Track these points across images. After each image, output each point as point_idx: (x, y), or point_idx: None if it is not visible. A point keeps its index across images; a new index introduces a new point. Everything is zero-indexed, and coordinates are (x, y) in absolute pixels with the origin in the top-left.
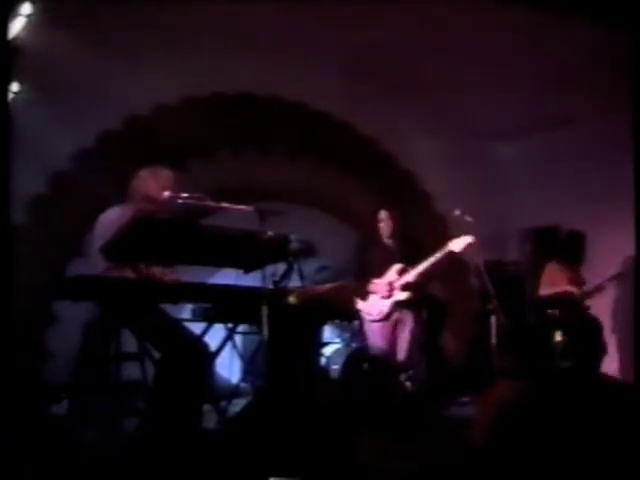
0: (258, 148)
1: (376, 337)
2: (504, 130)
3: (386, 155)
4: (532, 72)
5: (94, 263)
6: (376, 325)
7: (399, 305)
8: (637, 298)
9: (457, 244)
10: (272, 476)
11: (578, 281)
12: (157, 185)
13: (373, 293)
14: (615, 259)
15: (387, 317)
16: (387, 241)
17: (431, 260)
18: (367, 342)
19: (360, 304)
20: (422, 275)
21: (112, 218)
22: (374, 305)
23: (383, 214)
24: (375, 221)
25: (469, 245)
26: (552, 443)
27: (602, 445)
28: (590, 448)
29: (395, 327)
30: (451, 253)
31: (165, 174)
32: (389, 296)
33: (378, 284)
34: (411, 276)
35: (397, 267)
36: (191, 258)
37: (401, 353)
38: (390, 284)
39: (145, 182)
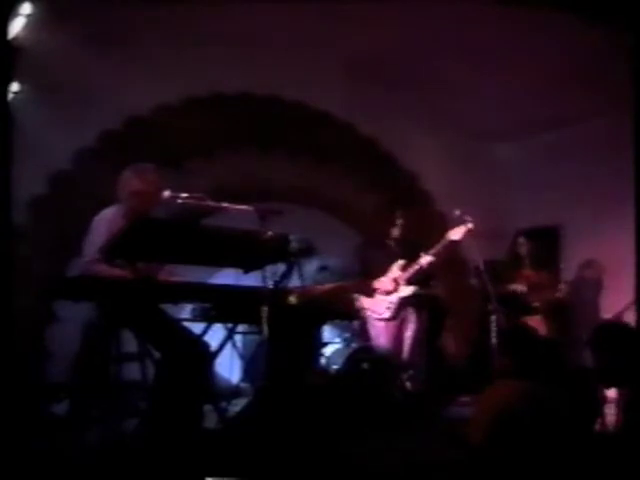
0: (258, 148)
1: (382, 336)
2: (504, 130)
3: (386, 155)
4: (532, 72)
5: (89, 263)
6: (382, 324)
7: (405, 301)
8: (637, 297)
9: (456, 233)
10: (273, 476)
11: (530, 282)
12: (141, 180)
13: (378, 291)
14: (614, 258)
15: (395, 314)
16: (391, 241)
17: (432, 251)
18: (372, 341)
19: (366, 303)
20: (425, 267)
21: (107, 218)
22: (380, 303)
23: (399, 214)
24: (387, 221)
25: (468, 232)
26: (549, 442)
27: (598, 444)
28: (586, 447)
29: (401, 326)
30: (452, 243)
31: (145, 168)
32: (394, 292)
33: (383, 281)
34: (414, 269)
35: (399, 263)
36: (191, 258)
37: (405, 352)
38: (395, 280)
39: (128, 180)
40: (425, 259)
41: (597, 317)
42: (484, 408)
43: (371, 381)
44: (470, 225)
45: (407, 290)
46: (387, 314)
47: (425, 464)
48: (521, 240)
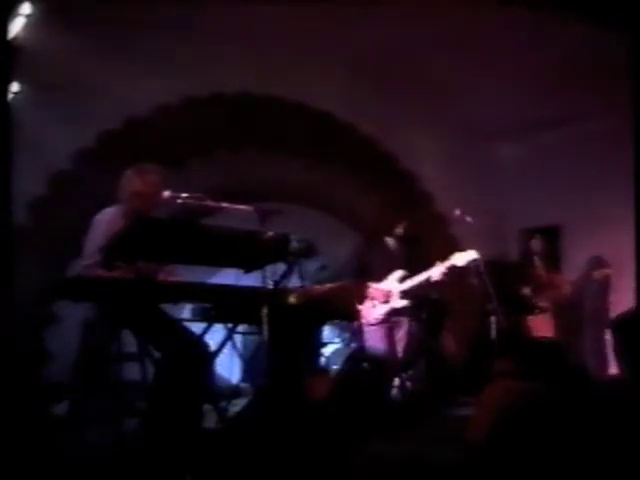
0: (258, 148)
1: (373, 339)
2: (504, 130)
3: (387, 155)
4: (532, 72)
5: (88, 267)
6: (373, 328)
7: (395, 312)
8: (637, 297)
9: (460, 259)
10: (273, 476)
11: (541, 281)
12: (143, 181)
13: (371, 299)
14: (614, 258)
15: (382, 322)
16: (392, 244)
17: (432, 272)
18: (366, 344)
19: (357, 307)
20: (422, 286)
21: (106, 218)
22: (370, 310)
23: (402, 213)
24: (390, 220)
25: (472, 261)
26: (549, 442)
27: (600, 446)
28: (588, 449)
29: (392, 329)
30: (454, 267)
31: (150, 169)
32: (386, 302)
33: (377, 290)
34: (411, 285)
35: (398, 274)
36: (191, 258)
37: (399, 354)
38: (389, 291)
39: (131, 180)
40: (424, 278)
41: (605, 315)
42: (483, 408)
43: (371, 381)
44: (476, 255)
45: (399, 303)
46: (375, 321)
47: (425, 464)
48: (536, 239)
